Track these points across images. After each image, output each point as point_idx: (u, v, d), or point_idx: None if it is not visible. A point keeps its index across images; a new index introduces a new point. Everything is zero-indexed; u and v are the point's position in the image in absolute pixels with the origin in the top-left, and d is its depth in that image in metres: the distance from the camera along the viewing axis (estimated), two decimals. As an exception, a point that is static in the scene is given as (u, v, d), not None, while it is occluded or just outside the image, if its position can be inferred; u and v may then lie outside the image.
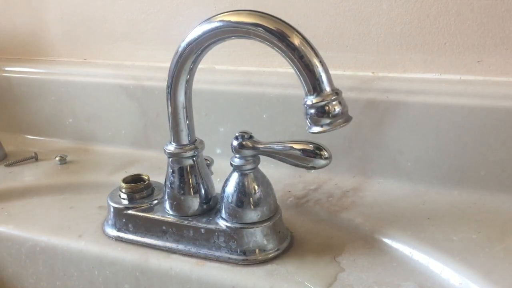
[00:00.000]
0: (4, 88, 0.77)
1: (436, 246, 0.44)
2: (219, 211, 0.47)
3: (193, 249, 0.47)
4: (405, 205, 0.51)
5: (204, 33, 0.42)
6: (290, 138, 0.45)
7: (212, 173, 0.51)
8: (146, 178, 0.52)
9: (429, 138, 0.53)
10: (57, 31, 0.74)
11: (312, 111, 0.39)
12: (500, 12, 0.50)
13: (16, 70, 0.76)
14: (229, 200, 0.45)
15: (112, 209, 0.50)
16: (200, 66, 0.45)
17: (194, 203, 0.48)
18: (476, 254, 0.43)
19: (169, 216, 0.48)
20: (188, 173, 0.47)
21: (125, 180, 0.51)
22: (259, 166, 0.46)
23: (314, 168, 0.43)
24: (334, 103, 0.39)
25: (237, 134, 0.45)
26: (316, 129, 0.40)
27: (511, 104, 0.49)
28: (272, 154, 0.44)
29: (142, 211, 0.49)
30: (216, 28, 0.41)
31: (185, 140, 0.47)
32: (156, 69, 0.67)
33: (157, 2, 0.65)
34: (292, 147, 0.43)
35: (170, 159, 0.48)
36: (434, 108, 0.52)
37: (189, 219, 0.47)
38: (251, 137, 0.45)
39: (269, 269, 0.44)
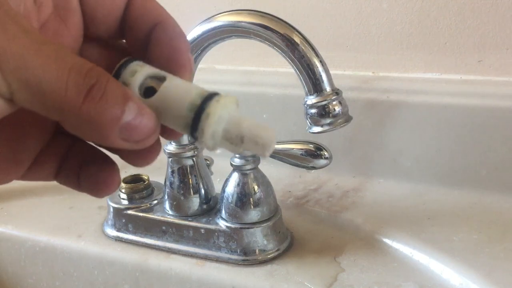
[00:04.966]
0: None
1: (437, 246, 0.44)
2: (219, 211, 0.46)
3: (193, 249, 0.47)
4: (406, 205, 0.51)
5: (204, 33, 0.41)
6: (290, 138, 0.45)
7: (212, 173, 0.51)
8: (146, 178, 0.52)
9: (429, 138, 0.53)
10: (57, 31, 0.74)
11: (313, 111, 0.39)
12: (501, 12, 0.50)
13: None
14: (229, 200, 0.45)
15: (111, 209, 0.50)
16: (200, 65, 0.45)
17: (194, 203, 0.48)
18: (476, 254, 0.43)
19: (169, 216, 0.48)
20: (188, 173, 0.47)
21: (125, 180, 0.51)
22: (259, 166, 0.46)
23: (314, 168, 0.43)
24: (334, 103, 0.39)
25: (237, 134, 0.45)
26: (316, 129, 0.40)
27: (511, 104, 0.49)
28: (272, 154, 0.44)
29: (142, 211, 0.49)
30: (216, 28, 0.41)
31: (185, 140, 0.47)
32: (156, 69, 0.67)
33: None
34: (292, 147, 0.43)
35: (170, 159, 0.48)
36: (435, 108, 0.52)
37: (189, 219, 0.47)
38: (251, 137, 0.45)
39: (269, 269, 0.44)
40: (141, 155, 0.23)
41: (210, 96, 0.20)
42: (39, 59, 0.18)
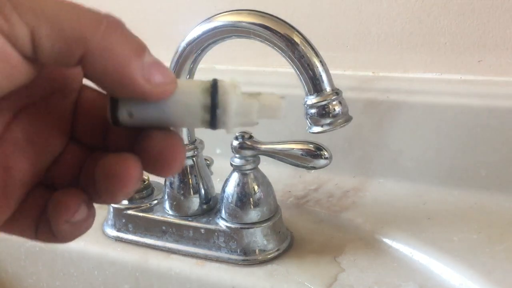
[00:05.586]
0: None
1: (437, 246, 0.44)
2: (219, 211, 0.46)
3: (193, 249, 0.47)
4: (406, 205, 0.51)
5: (204, 33, 0.41)
6: (290, 138, 0.45)
7: (212, 173, 0.51)
8: (146, 178, 0.52)
9: (429, 138, 0.53)
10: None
11: (313, 111, 0.39)
12: (501, 12, 0.50)
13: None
14: (229, 200, 0.45)
15: (111, 209, 0.50)
16: (200, 65, 0.45)
17: (194, 203, 0.48)
18: (476, 254, 0.43)
19: (169, 216, 0.48)
20: (188, 173, 0.47)
21: (125, 180, 0.51)
22: (259, 166, 0.46)
23: (314, 168, 0.43)
24: (334, 103, 0.39)
25: (237, 134, 0.45)
26: (316, 129, 0.40)
27: (511, 104, 0.49)
28: (272, 154, 0.44)
29: (142, 211, 0.49)
30: (216, 28, 0.41)
31: (185, 140, 0.47)
32: (156, 69, 0.67)
33: (157, 2, 0.65)
34: (292, 147, 0.43)
35: (170, 159, 0.48)
36: (435, 108, 0.52)
37: (189, 219, 0.47)
38: (251, 137, 0.45)
39: (269, 269, 0.44)
40: (114, 191, 0.21)
41: (215, 80, 0.22)
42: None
